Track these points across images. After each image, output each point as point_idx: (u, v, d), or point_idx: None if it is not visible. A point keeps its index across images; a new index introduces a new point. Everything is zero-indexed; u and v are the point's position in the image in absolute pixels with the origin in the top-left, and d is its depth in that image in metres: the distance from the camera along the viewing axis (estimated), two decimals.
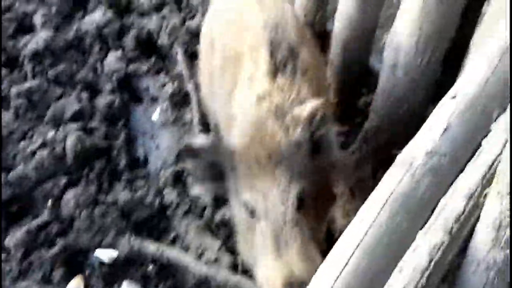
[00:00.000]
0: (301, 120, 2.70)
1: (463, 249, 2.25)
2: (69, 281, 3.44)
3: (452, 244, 2.16)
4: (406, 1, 3.19)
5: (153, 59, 4.73)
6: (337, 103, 4.10)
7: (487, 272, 2.02)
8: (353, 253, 1.46)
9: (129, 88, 4.52)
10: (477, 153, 2.34)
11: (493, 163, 2.30)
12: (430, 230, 2.06)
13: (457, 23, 3.20)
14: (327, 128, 2.75)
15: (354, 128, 4.17)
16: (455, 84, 1.90)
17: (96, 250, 3.56)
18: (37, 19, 4.76)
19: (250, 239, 2.75)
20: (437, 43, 3.20)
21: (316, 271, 1.82)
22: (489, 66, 1.75)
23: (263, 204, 2.62)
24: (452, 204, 2.12)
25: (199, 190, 3.03)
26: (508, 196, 1.95)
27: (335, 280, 1.42)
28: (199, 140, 2.85)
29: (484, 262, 2.02)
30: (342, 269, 1.43)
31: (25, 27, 4.77)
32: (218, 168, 2.82)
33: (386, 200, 1.54)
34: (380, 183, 1.63)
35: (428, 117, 2.00)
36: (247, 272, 3.40)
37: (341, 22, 3.76)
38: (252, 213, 2.66)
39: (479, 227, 2.07)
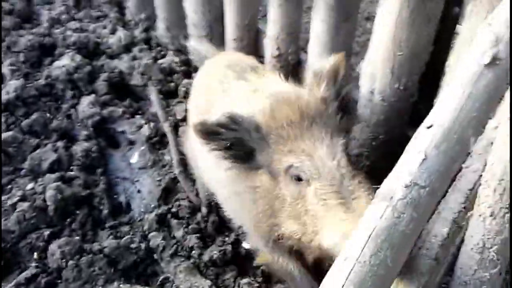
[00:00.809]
0: (324, 75, 2.77)
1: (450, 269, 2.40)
2: None
3: (439, 269, 2.31)
4: (379, 27, 3.35)
5: (127, 101, 4.86)
6: None
7: None
8: None
9: (105, 133, 4.62)
10: (457, 178, 2.51)
11: (473, 187, 2.47)
12: (416, 257, 2.21)
13: (431, 48, 3.37)
14: (350, 85, 2.79)
15: None
16: (431, 112, 1.97)
17: None
18: (5, 69, 4.86)
19: (298, 208, 2.65)
20: (412, 68, 3.36)
21: None
22: (463, 93, 1.83)
23: (312, 165, 2.57)
24: (436, 229, 2.27)
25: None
26: (491, 218, 2.12)
27: None
28: (216, 117, 2.79)
29: (471, 283, 2.17)
30: None
31: None
32: (241, 145, 2.76)
33: (369, 237, 1.61)
34: (362, 219, 1.72)
35: (407, 141, 2.06)
36: None
37: (314, 52, 3.91)
38: (299, 179, 2.61)
39: (463, 249, 2.22)
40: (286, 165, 2.64)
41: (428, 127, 1.75)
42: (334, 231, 2.42)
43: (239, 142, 2.75)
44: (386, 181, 1.74)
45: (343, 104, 2.81)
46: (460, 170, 2.57)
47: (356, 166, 3.32)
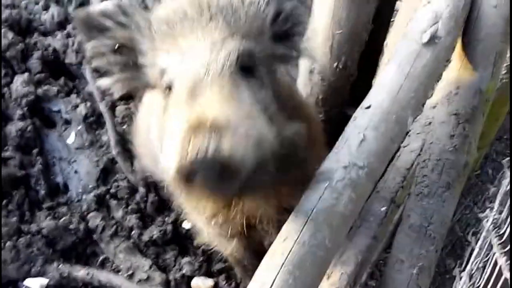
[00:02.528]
0: None
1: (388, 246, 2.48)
2: None
3: (377, 245, 2.39)
4: (318, 6, 3.34)
5: (62, 79, 4.79)
6: None
7: (411, 270, 2.24)
8: (277, 273, 1.52)
9: (40, 113, 4.56)
10: (395, 157, 2.59)
11: (411, 166, 2.55)
12: (355, 235, 2.29)
13: (371, 26, 3.40)
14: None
15: None
16: (369, 93, 1.98)
17: (25, 279, 3.67)
18: None
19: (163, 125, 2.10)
20: (351, 47, 3.40)
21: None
22: (401, 73, 1.87)
23: (181, 66, 2.01)
24: (374, 208, 2.35)
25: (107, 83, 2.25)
26: (428, 197, 2.20)
27: None
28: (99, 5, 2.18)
29: (408, 260, 2.24)
30: None
31: None
32: (130, 48, 2.18)
33: (308, 217, 1.63)
34: (302, 199, 1.74)
35: (347, 119, 2.03)
36: None
37: None
38: (169, 87, 2.05)
39: (401, 227, 2.30)
40: (159, 69, 2.09)
41: (367, 108, 1.79)
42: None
43: (129, 44, 2.18)
44: (325, 162, 1.76)
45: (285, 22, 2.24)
46: (398, 149, 2.64)
47: None
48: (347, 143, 1.73)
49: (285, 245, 1.58)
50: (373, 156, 1.70)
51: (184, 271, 3.79)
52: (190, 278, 3.79)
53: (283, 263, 1.54)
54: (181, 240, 3.95)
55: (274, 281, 1.53)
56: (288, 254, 1.55)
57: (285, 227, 1.66)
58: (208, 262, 3.82)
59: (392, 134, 1.75)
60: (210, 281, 3.74)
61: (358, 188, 1.66)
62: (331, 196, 1.64)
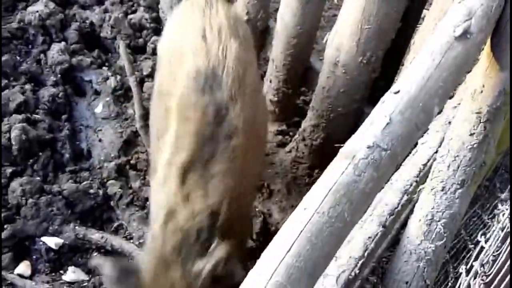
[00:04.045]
0: (203, 275, 2.37)
1: (396, 241, 2.41)
2: (17, 265, 3.53)
3: (385, 236, 2.32)
4: (348, 2, 3.31)
5: (96, 52, 4.77)
6: (276, 101, 4.23)
7: (418, 263, 2.18)
8: (296, 239, 1.52)
9: (72, 81, 4.55)
10: (412, 152, 2.51)
11: (427, 162, 2.48)
12: (366, 222, 2.22)
13: (398, 25, 3.35)
14: (231, 269, 2.40)
15: (292, 126, 4.31)
16: (399, 78, 1.96)
17: (42, 236, 3.64)
18: None
19: None
20: (377, 43, 3.34)
21: None
22: (432, 63, 1.83)
23: None
24: (387, 198, 2.28)
25: None
26: (442, 192, 2.12)
27: (278, 264, 1.47)
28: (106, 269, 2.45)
29: (416, 253, 2.18)
30: (286, 254, 1.47)
31: None
32: None
33: (329, 190, 1.61)
34: (323, 174, 1.68)
35: (363, 117, 2.08)
36: None
37: (283, 20, 3.83)
38: None
39: (412, 220, 2.23)
40: None
41: (395, 93, 1.73)
42: None
43: None
44: (349, 141, 1.73)
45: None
46: (416, 145, 2.58)
47: None
48: (373, 124, 1.68)
49: (305, 214, 1.56)
50: (397, 139, 1.65)
51: None
52: None
53: (301, 230, 1.52)
54: None
55: (292, 246, 1.51)
56: (307, 223, 1.53)
57: (306, 198, 1.62)
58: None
59: (418, 120, 1.69)
60: None
61: (380, 169, 1.62)
62: (353, 172, 1.60)
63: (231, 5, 3.29)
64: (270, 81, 4.15)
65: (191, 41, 2.86)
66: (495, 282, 1.83)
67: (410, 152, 2.49)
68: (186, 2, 3.23)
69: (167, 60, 3.09)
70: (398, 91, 1.72)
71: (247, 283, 1.49)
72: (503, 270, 1.80)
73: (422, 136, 2.57)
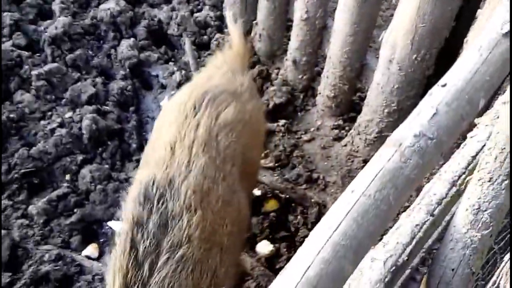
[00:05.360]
0: None
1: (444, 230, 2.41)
2: (85, 247, 3.65)
3: (435, 226, 2.33)
4: (403, 1, 3.31)
5: (163, 48, 4.89)
6: (333, 97, 4.25)
7: (464, 250, 2.18)
8: (343, 219, 1.56)
9: (140, 75, 4.67)
10: (462, 145, 2.52)
11: (476, 154, 2.48)
12: (414, 211, 2.23)
13: (453, 24, 3.34)
14: None
15: (348, 121, 4.33)
16: (447, 73, 1.98)
17: (109, 221, 3.76)
18: (56, 6, 4.87)
19: None
20: (432, 41, 3.33)
21: None
22: (479, 58, 1.84)
23: None
24: (436, 188, 2.29)
25: None
26: (489, 183, 2.13)
27: (326, 241, 1.52)
28: None
29: (462, 241, 2.18)
30: (333, 233, 1.52)
31: (44, 13, 4.90)
32: None
33: (376, 175, 1.65)
34: (371, 160, 1.75)
35: None
36: None
37: (341, 19, 3.85)
38: None
39: (459, 209, 2.24)
40: None
41: (443, 86, 1.75)
42: None
43: None
44: (397, 130, 1.76)
45: None
46: (464, 138, 2.57)
47: None
48: (420, 115, 1.71)
49: (353, 196, 1.61)
50: (443, 129, 1.68)
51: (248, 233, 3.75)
52: (253, 238, 3.76)
53: (349, 211, 1.58)
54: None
55: (339, 225, 1.56)
56: (354, 204, 1.58)
57: (354, 182, 1.66)
58: (272, 228, 3.78)
59: (463, 111, 1.72)
60: (270, 247, 3.68)
61: (425, 156, 1.65)
62: (399, 159, 1.63)
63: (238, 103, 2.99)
64: (327, 77, 4.17)
65: (161, 146, 2.68)
66: None
67: (459, 146, 2.48)
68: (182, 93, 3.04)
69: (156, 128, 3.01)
70: (445, 84, 1.75)
71: (295, 259, 1.53)
72: None
73: (472, 130, 2.57)
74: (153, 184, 2.44)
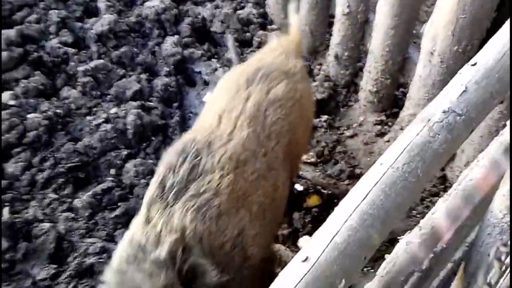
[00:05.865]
0: (162, 263, 2.21)
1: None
2: None
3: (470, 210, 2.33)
4: None
5: (206, 45, 4.95)
6: (375, 92, 4.27)
7: (501, 235, 2.18)
8: (371, 189, 1.62)
9: (184, 71, 4.74)
10: (500, 133, 2.51)
11: None
12: (451, 196, 2.24)
13: (493, 14, 3.31)
14: (194, 258, 2.28)
15: (390, 117, 4.34)
16: (477, 53, 1.97)
17: None
18: (102, 4, 4.99)
19: None
20: (473, 33, 3.32)
21: None
22: (509, 40, 1.86)
23: None
24: (472, 174, 2.29)
25: None
26: None
27: (354, 210, 1.58)
28: None
29: (499, 226, 2.18)
30: (361, 202, 1.59)
31: (90, 11, 5.01)
32: None
33: (404, 149, 1.69)
34: (400, 135, 1.79)
35: None
36: None
37: (382, 12, 3.86)
38: None
39: (497, 194, 2.24)
40: None
41: (472, 65, 1.77)
42: None
43: None
44: (426, 107, 1.79)
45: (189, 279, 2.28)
46: (504, 126, 2.57)
47: None
48: (450, 92, 1.73)
49: (381, 168, 1.66)
50: (472, 106, 1.70)
51: (290, 228, 3.80)
52: (295, 233, 3.78)
53: (377, 181, 1.63)
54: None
55: (367, 194, 1.62)
56: (383, 175, 1.62)
57: (383, 155, 1.70)
58: (314, 224, 3.78)
59: (493, 89, 1.74)
60: None
61: (454, 132, 1.68)
62: (428, 134, 1.66)
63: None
64: (369, 72, 4.18)
65: (210, 113, 2.84)
66: None
67: (498, 133, 2.48)
68: (236, 69, 3.19)
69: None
70: (475, 64, 1.76)
71: (324, 225, 1.57)
72: None
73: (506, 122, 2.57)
74: (192, 142, 2.57)
